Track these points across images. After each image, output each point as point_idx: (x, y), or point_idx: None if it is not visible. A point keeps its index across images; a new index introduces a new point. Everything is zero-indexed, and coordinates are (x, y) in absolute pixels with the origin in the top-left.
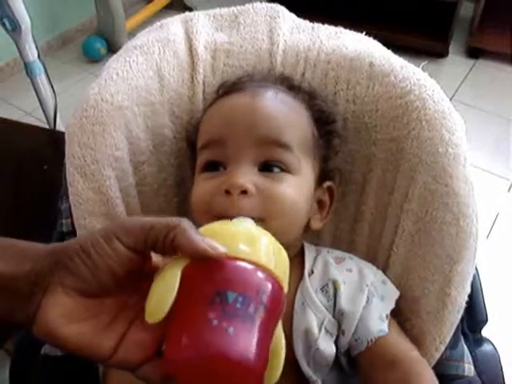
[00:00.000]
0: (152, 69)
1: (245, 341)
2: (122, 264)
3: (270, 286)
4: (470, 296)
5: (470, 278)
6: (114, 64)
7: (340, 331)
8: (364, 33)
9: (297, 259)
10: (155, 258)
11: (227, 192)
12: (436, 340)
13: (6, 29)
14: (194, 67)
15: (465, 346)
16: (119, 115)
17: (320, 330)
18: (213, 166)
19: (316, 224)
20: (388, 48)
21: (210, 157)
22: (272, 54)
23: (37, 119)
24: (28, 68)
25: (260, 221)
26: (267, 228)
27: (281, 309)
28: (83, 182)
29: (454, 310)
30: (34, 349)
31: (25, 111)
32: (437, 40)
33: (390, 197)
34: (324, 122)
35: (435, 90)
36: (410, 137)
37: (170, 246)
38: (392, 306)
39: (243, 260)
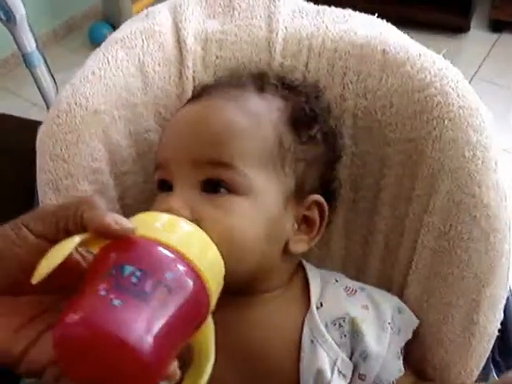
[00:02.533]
0: (134, 65)
1: (131, 317)
2: (31, 253)
3: (180, 269)
4: (503, 322)
5: (503, 303)
6: (92, 61)
7: (356, 375)
8: (376, 14)
9: (298, 285)
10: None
11: None
12: (462, 374)
13: (1, 19)
14: (183, 61)
15: (496, 377)
16: (95, 121)
17: (333, 371)
18: (166, 185)
19: (299, 247)
20: (404, 24)
21: (161, 176)
22: (270, 43)
23: (44, 110)
24: (26, 59)
25: None
26: None
27: (203, 303)
28: (56, 198)
29: (483, 340)
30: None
31: (32, 102)
32: (457, 14)
33: (408, 207)
34: (306, 124)
35: (459, 82)
36: (431, 138)
37: (81, 225)
38: (408, 337)
39: (153, 239)
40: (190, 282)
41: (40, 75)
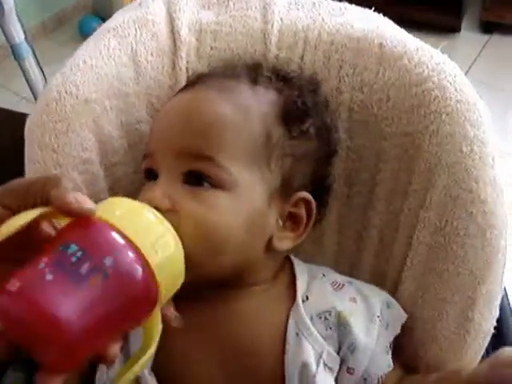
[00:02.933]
0: (126, 54)
1: (57, 293)
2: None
3: (125, 258)
4: (498, 320)
5: (498, 300)
6: (83, 50)
7: (344, 369)
8: (372, 8)
9: (284, 280)
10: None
11: None
12: None
13: None
14: (176, 51)
15: None
16: (86, 110)
17: (318, 364)
18: (152, 174)
19: (283, 244)
20: (396, 24)
21: (148, 165)
22: (266, 35)
23: (33, 103)
24: (15, 51)
25: None
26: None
27: (144, 295)
28: None
29: (479, 337)
30: None
31: (21, 96)
32: (448, 14)
33: (404, 202)
34: (297, 118)
35: (457, 76)
36: (428, 132)
37: (47, 202)
38: (397, 331)
39: (106, 223)
40: (131, 273)
41: (28, 67)
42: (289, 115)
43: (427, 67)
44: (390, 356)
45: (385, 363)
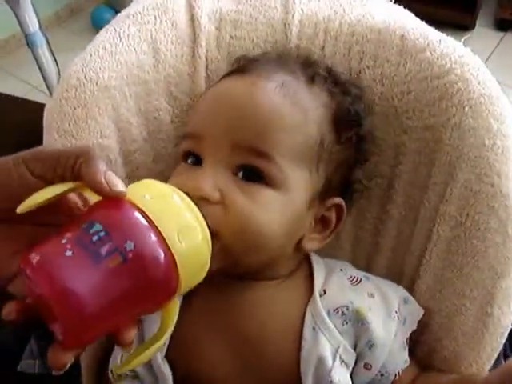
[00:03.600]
0: (146, 41)
1: (74, 271)
2: (28, 192)
3: (146, 243)
4: None
5: None
6: (103, 36)
7: (361, 364)
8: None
9: (302, 274)
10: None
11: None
12: (473, 366)
13: None
14: (196, 40)
15: None
16: (106, 96)
17: (334, 359)
18: (193, 157)
19: (311, 245)
20: None
21: (190, 148)
22: (287, 25)
23: (44, 93)
24: (29, 40)
25: (211, 234)
26: (220, 245)
27: (163, 282)
28: None
29: (497, 332)
30: (7, 358)
31: (31, 85)
32: (463, 11)
33: (423, 195)
34: (348, 126)
35: (480, 69)
36: (450, 125)
37: (78, 176)
38: (413, 327)
39: (136, 207)
40: (152, 259)
41: (42, 56)
42: (340, 121)
43: (450, 59)
44: (406, 352)
45: (402, 359)
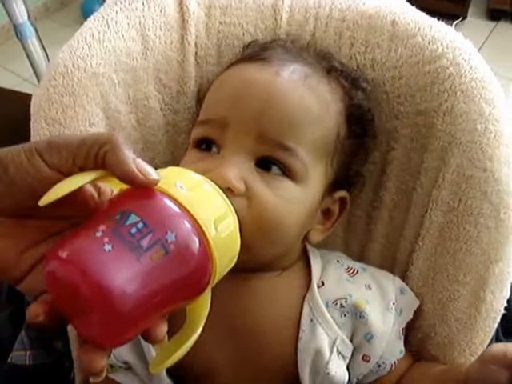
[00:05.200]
0: (134, 28)
1: (116, 266)
2: (44, 184)
3: (187, 234)
4: (508, 301)
5: (510, 280)
6: (91, 23)
7: (359, 356)
8: None
9: (299, 265)
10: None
11: None
12: (466, 351)
13: None
14: (185, 26)
15: None
16: (94, 84)
17: (331, 351)
18: (207, 144)
19: (316, 236)
20: None
21: (206, 134)
22: (277, 11)
23: (34, 85)
24: (18, 31)
25: None
26: (242, 237)
27: (201, 275)
28: None
29: (489, 317)
30: (1, 348)
31: (22, 77)
32: (454, 1)
33: (416, 181)
34: (358, 120)
35: (472, 54)
36: (442, 110)
37: (102, 166)
38: (409, 317)
39: (170, 196)
40: (192, 251)
41: (31, 48)
42: (353, 116)
43: (441, 44)
44: (402, 342)
45: (398, 349)
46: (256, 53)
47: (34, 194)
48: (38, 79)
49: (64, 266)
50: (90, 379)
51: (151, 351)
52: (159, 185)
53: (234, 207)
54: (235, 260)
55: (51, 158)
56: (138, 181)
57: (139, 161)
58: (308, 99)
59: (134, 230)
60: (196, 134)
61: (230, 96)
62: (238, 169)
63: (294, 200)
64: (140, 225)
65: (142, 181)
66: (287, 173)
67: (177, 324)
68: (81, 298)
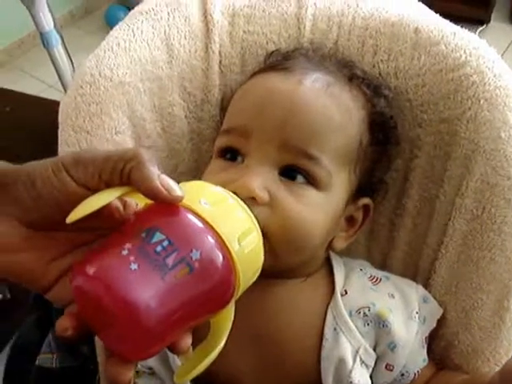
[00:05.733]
0: (159, 37)
1: (142, 285)
2: (70, 199)
3: (212, 251)
4: None
5: None
6: (117, 33)
7: (382, 365)
8: None
9: (322, 273)
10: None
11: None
12: (490, 360)
13: None
14: (209, 35)
15: None
16: (120, 93)
17: (354, 360)
18: (231, 153)
19: (339, 244)
20: None
21: (230, 143)
22: (300, 20)
23: (59, 92)
24: (44, 39)
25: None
26: (267, 246)
27: (225, 291)
28: None
29: None
30: (29, 351)
31: (47, 84)
32: (478, 5)
33: (439, 189)
34: (381, 128)
35: (496, 62)
36: (465, 118)
37: (127, 182)
38: (432, 326)
39: (195, 213)
40: (217, 268)
41: (57, 55)
42: (375, 123)
43: (465, 52)
44: (425, 351)
45: (421, 358)
46: (278, 62)
47: (60, 208)
48: (64, 85)
49: (91, 282)
50: None
51: (175, 359)
52: (183, 201)
53: (258, 217)
54: (259, 272)
55: (77, 173)
56: (162, 197)
57: (164, 177)
58: (330, 107)
59: (159, 249)
60: (220, 143)
61: (253, 105)
62: (262, 178)
63: (318, 208)
64: (165, 243)
65: (166, 197)
66: (311, 181)
67: (201, 335)
68: (107, 313)
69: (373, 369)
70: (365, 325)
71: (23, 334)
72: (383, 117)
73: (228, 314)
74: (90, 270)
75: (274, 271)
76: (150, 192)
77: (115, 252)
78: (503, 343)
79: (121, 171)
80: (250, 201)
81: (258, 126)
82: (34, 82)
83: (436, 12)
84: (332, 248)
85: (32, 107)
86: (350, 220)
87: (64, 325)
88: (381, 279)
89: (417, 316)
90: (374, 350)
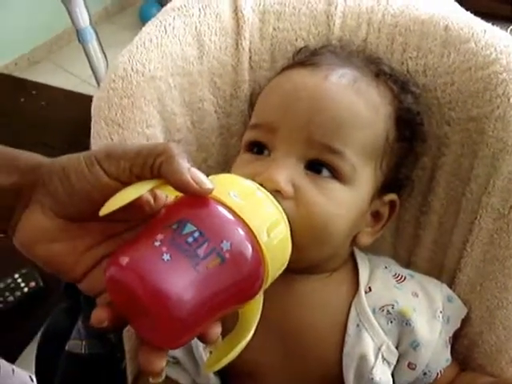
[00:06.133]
0: (191, 34)
1: (175, 275)
2: (103, 192)
3: (242, 243)
4: None
5: None
6: (149, 28)
7: (404, 363)
8: None
9: (346, 269)
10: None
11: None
12: None
13: None
14: (239, 32)
15: None
16: (151, 87)
17: (376, 357)
18: (258, 148)
19: (364, 239)
20: None
21: (257, 138)
22: (329, 17)
23: (93, 86)
24: (79, 34)
25: None
26: (292, 238)
27: (254, 281)
28: None
29: None
30: (59, 337)
31: (81, 78)
32: (503, 2)
33: (465, 187)
34: (407, 124)
35: None
36: (494, 116)
37: (158, 176)
38: (457, 326)
39: (225, 205)
40: (247, 259)
41: (92, 51)
42: (402, 119)
43: (495, 50)
44: (449, 350)
45: (444, 358)
46: (306, 58)
47: (93, 201)
48: (97, 80)
49: (124, 272)
50: (150, 379)
51: (199, 349)
52: (213, 193)
53: (284, 210)
54: (286, 264)
55: (110, 167)
56: (192, 190)
57: (194, 170)
58: (357, 103)
59: (190, 240)
60: (247, 138)
61: (280, 101)
62: (287, 171)
63: (343, 201)
64: (196, 234)
65: (196, 190)
66: (336, 175)
67: (229, 325)
68: (140, 304)
69: (395, 367)
70: (388, 322)
71: (54, 321)
72: (410, 113)
73: (257, 305)
74: (124, 261)
75: (299, 266)
76: (181, 185)
77: (148, 243)
78: None
79: (151, 165)
80: (275, 194)
81: (284, 122)
82: (68, 77)
83: (467, 9)
84: (357, 243)
85: (67, 101)
86: (376, 215)
87: (100, 316)
88: (405, 277)
89: (441, 315)
90: (397, 347)
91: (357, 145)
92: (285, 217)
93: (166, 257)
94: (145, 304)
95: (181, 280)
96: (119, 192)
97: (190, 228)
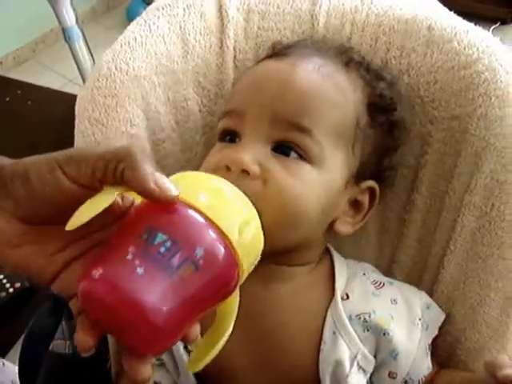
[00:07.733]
0: (175, 33)
1: (150, 287)
2: (66, 196)
3: (214, 246)
4: None
5: None
6: (133, 27)
7: (385, 373)
8: None
9: (323, 271)
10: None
11: (228, 168)
12: None
13: None
14: (224, 31)
15: None
16: (135, 86)
17: (352, 364)
18: (231, 136)
19: (344, 228)
20: None
21: (228, 125)
22: (314, 16)
23: (79, 86)
24: (66, 34)
25: None
26: (261, 222)
27: (230, 281)
28: None
29: None
30: (43, 338)
31: (67, 78)
32: (499, 5)
33: (448, 185)
34: (381, 110)
35: (508, 59)
36: (476, 115)
37: (121, 181)
38: (435, 333)
39: (193, 209)
40: (221, 262)
41: (78, 50)
42: (374, 105)
43: (477, 49)
44: (429, 358)
45: (425, 366)
46: (276, 51)
47: (57, 204)
48: (84, 80)
49: (99, 289)
50: None
51: (179, 350)
52: (181, 196)
53: (250, 190)
54: (259, 256)
55: (71, 171)
56: (156, 198)
57: (158, 175)
58: (322, 84)
59: (162, 250)
60: (220, 126)
61: (248, 86)
62: (254, 153)
63: (312, 182)
64: (168, 243)
65: (161, 198)
66: (305, 156)
67: (207, 321)
68: (118, 316)
69: (376, 376)
70: (364, 330)
71: (38, 321)
72: (383, 99)
73: (233, 299)
74: (97, 278)
75: (273, 250)
76: (144, 193)
77: (120, 257)
78: (510, 341)
79: (113, 171)
80: (242, 174)
81: (251, 105)
82: (55, 77)
83: (450, 9)
84: (336, 232)
85: (52, 101)
86: (356, 204)
87: (84, 344)
88: (384, 284)
89: (420, 322)
90: (375, 356)
91: (324, 124)
92: (255, 210)
93: (140, 270)
94: (123, 316)
95: (156, 290)
96: (84, 204)
97: (161, 237)
